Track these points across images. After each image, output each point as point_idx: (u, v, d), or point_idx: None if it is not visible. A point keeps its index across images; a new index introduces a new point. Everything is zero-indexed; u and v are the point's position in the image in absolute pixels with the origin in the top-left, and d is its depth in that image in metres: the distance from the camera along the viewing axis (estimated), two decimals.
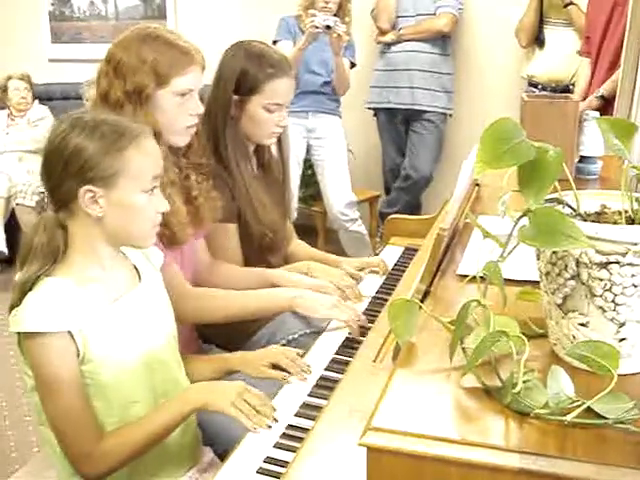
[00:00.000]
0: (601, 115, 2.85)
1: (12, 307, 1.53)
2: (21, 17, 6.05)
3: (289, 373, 1.77)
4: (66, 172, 1.51)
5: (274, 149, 2.47)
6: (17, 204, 5.05)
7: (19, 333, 1.51)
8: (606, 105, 3.63)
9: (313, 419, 1.54)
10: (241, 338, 2.23)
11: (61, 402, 1.49)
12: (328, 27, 4.13)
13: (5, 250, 4.92)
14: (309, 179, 4.88)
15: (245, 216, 2.30)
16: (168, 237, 1.87)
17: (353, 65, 4.59)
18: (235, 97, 2.28)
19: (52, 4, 6.01)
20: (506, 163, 1.02)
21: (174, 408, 1.59)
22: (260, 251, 2.34)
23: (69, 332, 1.48)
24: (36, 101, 5.61)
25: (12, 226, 5.02)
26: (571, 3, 4.18)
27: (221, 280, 2.20)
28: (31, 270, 1.53)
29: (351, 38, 4.46)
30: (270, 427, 1.55)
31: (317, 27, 4.13)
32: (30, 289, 1.52)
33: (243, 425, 1.54)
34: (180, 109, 1.92)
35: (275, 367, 1.80)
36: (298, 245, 2.62)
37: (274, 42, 4.46)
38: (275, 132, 2.33)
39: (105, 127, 1.53)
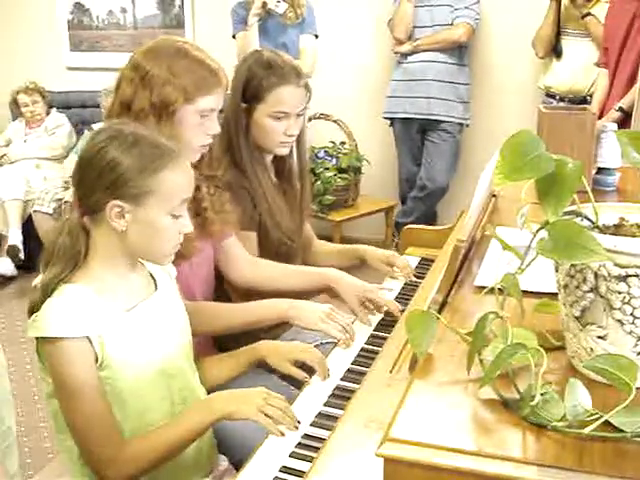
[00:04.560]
0: (620, 128, 2.84)
1: (31, 310, 1.54)
2: (40, 25, 6.10)
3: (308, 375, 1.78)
4: (98, 183, 1.51)
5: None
6: (34, 211, 5.08)
7: (37, 338, 1.52)
8: (625, 118, 3.62)
9: (329, 429, 1.54)
10: None
11: (83, 407, 1.50)
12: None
13: (20, 247, 4.93)
14: (320, 188, 4.87)
15: (265, 224, 2.30)
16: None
17: (316, 37, 4.63)
18: (243, 105, 2.28)
19: (71, 12, 6.05)
20: (526, 175, 1.03)
21: (198, 417, 1.59)
22: (277, 259, 2.35)
23: (87, 338, 1.49)
24: (53, 109, 5.64)
25: (29, 233, 5.04)
26: (589, 14, 4.17)
27: (261, 277, 2.22)
28: (53, 272, 1.54)
29: (304, 9, 4.52)
30: (297, 428, 1.56)
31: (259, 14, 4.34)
32: (50, 294, 1.53)
33: (269, 431, 1.54)
34: (199, 128, 1.93)
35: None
36: (320, 244, 2.64)
37: (233, 37, 4.55)
38: (284, 142, 2.31)
39: (144, 145, 1.53)
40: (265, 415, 1.55)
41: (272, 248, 2.32)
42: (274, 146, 2.31)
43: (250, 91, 2.26)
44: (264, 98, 2.25)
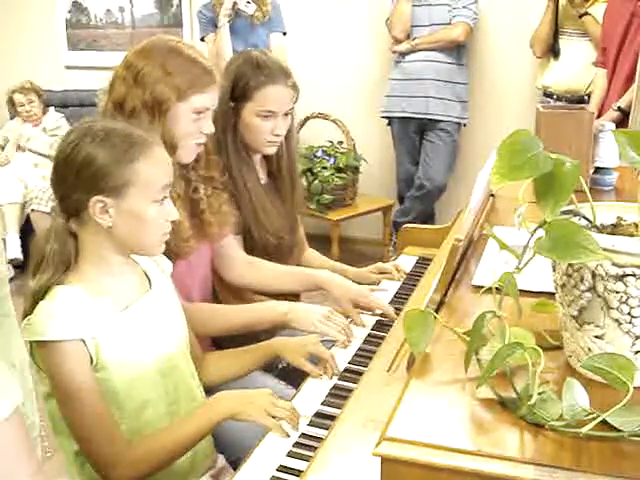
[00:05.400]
0: (619, 128, 2.84)
1: (25, 316, 1.54)
2: (38, 24, 6.09)
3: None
4: (77, 182, 1.51)
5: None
6: (32, 210, 5.07)
7: (31, 342, 1.51)
8: (624, 118, 3.62)
9: (327, 428, 1.54)
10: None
11: (83, 409, 1.49)
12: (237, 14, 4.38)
13: (20, 256, 4.93)
14: (318, 187, 4.86)
15: (248, 224, 2.30)
16: (167, 252, 1.85)
17: (284, 34, 4.64)
18: (231, 104, 2.29)
19: (69, 11, 6.04)
20: (524, 175, 1.03)
21: (203, 417, 1.59)
22: (267, 257, 2.34)
23: (82, 340, 1.49)
24: (52, 108, 5.63)
25: (27, 232, 5.03)
26: (587, 13, 4.17)
27: (256, 277, 2.24)
28: (43, 279, 1.54)
29: (270, 7, 4.51)
30: (297, 429, 1.57)
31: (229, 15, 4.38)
32: (42, 298, 1.52)
33: (276, 433, 1.55)
34: (193, 126, 1.93)
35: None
36: (310, 255, 2.63)
37: (201, 39, 4.55)
38: (272, 141, 2.31)
39: (116, 136, 1.53)
40: (271, 416, 1.56)
41: (257, 247, 2.32)
42: (261, 145, 2.32)
43: (238, 90, 2.27)
44: (252, 97, 2.26)
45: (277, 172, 2.45)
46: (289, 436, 1.55)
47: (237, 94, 2.28)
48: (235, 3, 4.35)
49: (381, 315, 2.11)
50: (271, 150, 2.35)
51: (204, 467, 1.74)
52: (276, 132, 2.30)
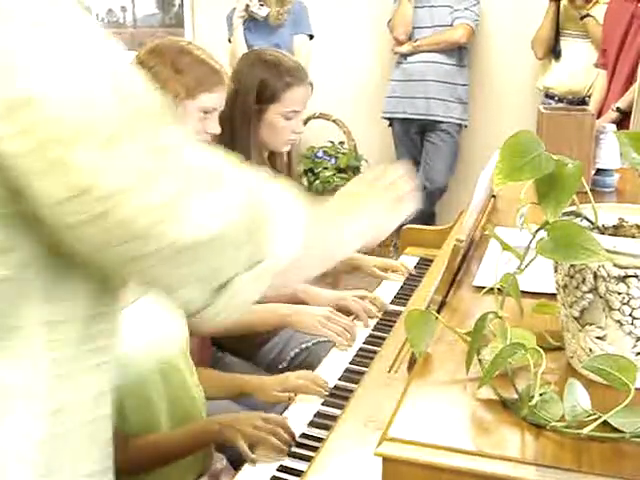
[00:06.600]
0: (618, 128, 2.84)
1: None
2: None
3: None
4: None
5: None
6: None
7: None
8: (623, 118, 3.62)
9: (327, 429, 1.54)
10: (254, 345, 2.23)
11: None
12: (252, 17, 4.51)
13: None
14: (319, 187, 4.86)
15: None
16: None
17: (311, 37, 4.68)
18: (255, 107, 2.30)
19: None
20: (526, 176, 1.03)
21: (196, 437, 1.62)
22: None
23: None
24: None
25: None
26: (588, 15, 4.18)
27: None
28: None
29: (297, 8, 4.59)
30: (290, 446, 1.55)
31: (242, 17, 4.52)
32: None
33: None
34: (199, 125, 1.95)
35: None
36: None
37: (229, 41, 4.64)
38: (291, 139, 2.36)
39: None
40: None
41: None
42: (282, 144, 2.36)
43: (265, 93, 2.29)
44: (279, 98, 2.29)
45: (280, 170, 2.46)
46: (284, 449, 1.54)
47: (263, 97, 2.29)
48: (248, 6, 4.45)
49: (384, 313, 2.12)
50: (288, 147, 2.39)
51: (201, 467, 1.74)
52: (298, 130, 2.35)
